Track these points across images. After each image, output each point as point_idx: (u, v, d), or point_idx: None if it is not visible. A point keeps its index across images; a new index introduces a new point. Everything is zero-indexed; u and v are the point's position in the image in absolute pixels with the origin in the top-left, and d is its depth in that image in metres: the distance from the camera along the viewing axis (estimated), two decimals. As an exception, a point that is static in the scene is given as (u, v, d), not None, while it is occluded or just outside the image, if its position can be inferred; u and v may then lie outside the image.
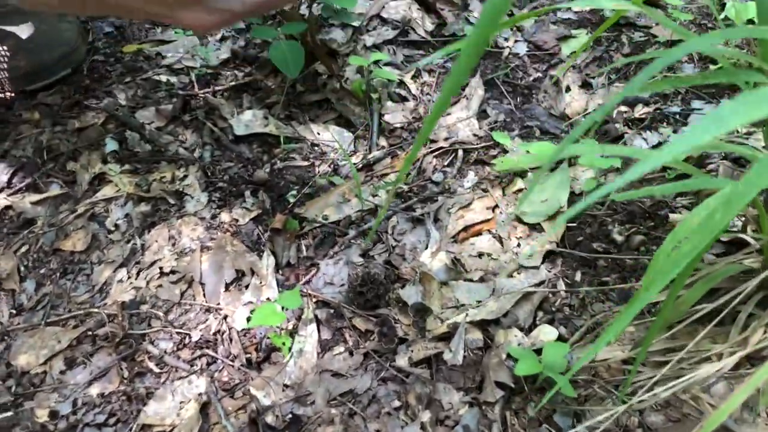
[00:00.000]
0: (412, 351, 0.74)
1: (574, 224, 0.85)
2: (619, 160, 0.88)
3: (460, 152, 0.95)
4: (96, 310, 0.80)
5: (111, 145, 0.97)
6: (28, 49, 1.08)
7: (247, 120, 0.99)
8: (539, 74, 1.08)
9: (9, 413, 0.72)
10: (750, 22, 1.09)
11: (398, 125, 0.99)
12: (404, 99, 1.02)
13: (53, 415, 0.71)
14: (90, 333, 0.78)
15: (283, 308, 0.73)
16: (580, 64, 1.08)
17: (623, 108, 1.01)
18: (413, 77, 1.05)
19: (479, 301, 0.78)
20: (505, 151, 0.95)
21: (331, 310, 0.79)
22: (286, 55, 0.90)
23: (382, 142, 0.97)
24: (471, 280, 0.81)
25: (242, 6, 0.50)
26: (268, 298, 0.79)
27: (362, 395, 0.70)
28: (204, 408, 0.70)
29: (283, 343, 0.72)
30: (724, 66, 0.68)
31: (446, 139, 0.97)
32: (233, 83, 1.07)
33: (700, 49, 0.73)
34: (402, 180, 0.89)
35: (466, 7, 1.15)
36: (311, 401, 0.70)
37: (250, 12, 0.51)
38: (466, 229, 0.87)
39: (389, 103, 1.01)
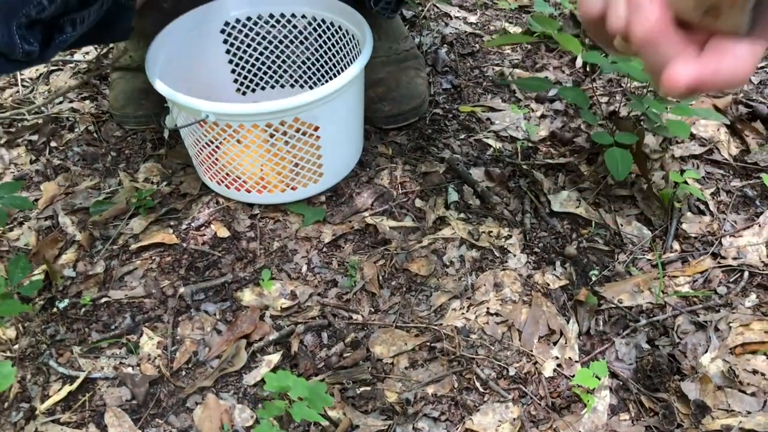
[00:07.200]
0: (686, 437, 0.91)
1: None
2: None
3: (746, 273, 1.09)
4: (435, 327, 1.04)
5: (453, 196, 1.22)
6: (393, 98, 1.37)
7: (563, 199, 1.20)
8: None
9: (368, 387, 0.98)
10: None
11: (693, 235, 1.14)
12: (702, 212, 1.17)
13: (400, 399, 0.96)
14: (428, 344, 1.02)
15: (594, 375, 0.93)
16: None
17: None
18: (712, 194, 1.20)
19: (749, 412, 0.93)
20: (789, 284, 1.07)
21: (620, 382, 0.97)
22: (617, 161, 1.10)
23: (676, 246, 1.14)
24: (744, 392, 0.95)
25: None
26: (570, 357, 0.99)
27: (643, 461, 0.88)
28: None
29: (588, 401, 0.92)
30: None
31: (735, 258, 1.11)
32: (549, 161, 1.29)
33: None
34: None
35: (770, 139, 1.27)
36: (601, 452, 0.89)
37: None
38: (743, 345, 1.01)
39: (689, 214, 1.17)
